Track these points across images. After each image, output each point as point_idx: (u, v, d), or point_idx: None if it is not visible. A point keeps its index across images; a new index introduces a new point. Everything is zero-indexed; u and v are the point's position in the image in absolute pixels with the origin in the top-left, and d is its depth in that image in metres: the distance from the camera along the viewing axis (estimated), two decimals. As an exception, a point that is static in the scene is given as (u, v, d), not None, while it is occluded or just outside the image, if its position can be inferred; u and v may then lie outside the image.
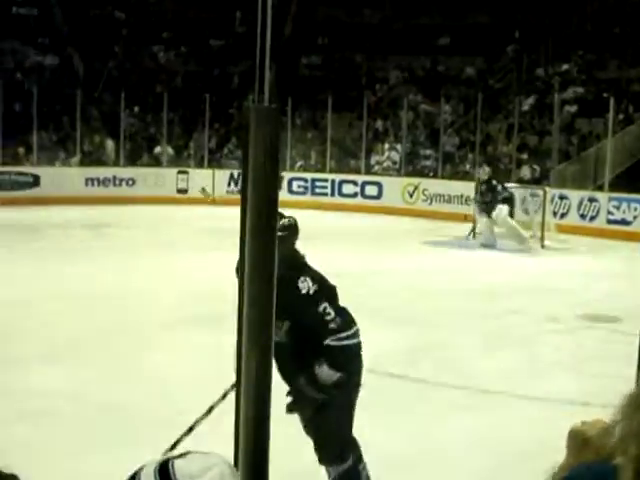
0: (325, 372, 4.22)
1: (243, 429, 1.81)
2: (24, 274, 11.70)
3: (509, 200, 16.24)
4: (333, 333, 4.19)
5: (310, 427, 4.49)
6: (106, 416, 6.09)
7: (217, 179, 23.72)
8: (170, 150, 24.99)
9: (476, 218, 16.61)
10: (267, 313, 1.69)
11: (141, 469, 1.51)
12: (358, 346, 4.35)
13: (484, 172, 16.75)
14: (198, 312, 9.25)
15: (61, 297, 10.07)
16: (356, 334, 4.31)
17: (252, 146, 1.56)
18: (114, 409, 6.22)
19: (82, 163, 23.73)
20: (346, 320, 4.28)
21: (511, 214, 16.09)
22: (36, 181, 22.38)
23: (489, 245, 16.14)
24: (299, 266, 4.37)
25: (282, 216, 4.21)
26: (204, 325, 8.55)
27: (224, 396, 4.47)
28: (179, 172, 24.06)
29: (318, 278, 4.37)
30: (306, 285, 4.27)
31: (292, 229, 4.38)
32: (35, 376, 7.05)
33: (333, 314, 4.22)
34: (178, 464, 1.49)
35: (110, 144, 24.59)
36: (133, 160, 24.56)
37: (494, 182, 16.31)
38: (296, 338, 4.23)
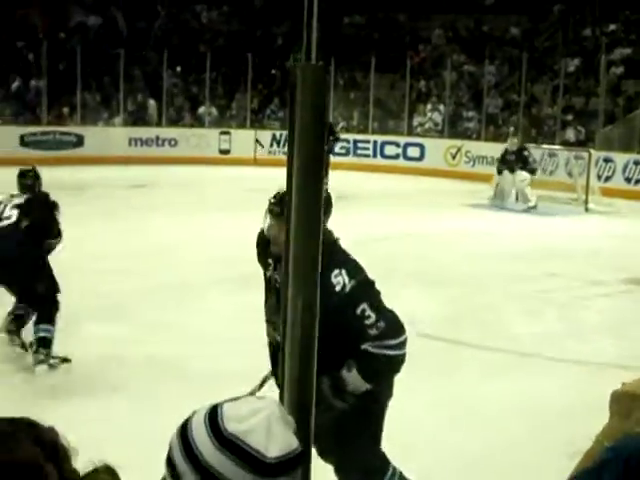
0: (353, 379, 3.50)
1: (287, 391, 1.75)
2: (68, 234, 11.79)
3: (534, 172, 16.35)
4: (373, 340, 3.46)
5: (325, 442, 3.57)
6: (146, 372, 6.19)
7: (259, 140, 23.71)
8: (214, 110, 25.01)
9: (502, 182, 16.45)
10: (312, 281, 1.64)
11: (193, 414, 1.52)
12: (402, 359, 3.56)
13: (512, 143, 16.58)
14: (243, 271, 9.29)
15: (103, 256, 10.17)
16: (402, 344, 3.53)
17: (298, 105, 1.55)
18: (154, 365, 6.31)
19: (125, 123, 23.86)
20: (392, 326, 3.52)
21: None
22: (80, 141, 22.56)
23: (499, 206, 16.16)
24: (333, 252, 3.48)
25: None
26: (246, 285, 8.60)
27: (262, 383, 3.83)
28: (221, 133, 24.08)
29: (354, 271, 3.56)
30: (341, 280, 3.48)
31: (325, 204, 3.60)
32: (75, 336, 7.19)
33: (374, 318, 3.45)
34: (227, 407, 1.50)
35: (153, 104, 24.66)
36: (176, 120, 24.65)
37: (526, 153, 16.38)
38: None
